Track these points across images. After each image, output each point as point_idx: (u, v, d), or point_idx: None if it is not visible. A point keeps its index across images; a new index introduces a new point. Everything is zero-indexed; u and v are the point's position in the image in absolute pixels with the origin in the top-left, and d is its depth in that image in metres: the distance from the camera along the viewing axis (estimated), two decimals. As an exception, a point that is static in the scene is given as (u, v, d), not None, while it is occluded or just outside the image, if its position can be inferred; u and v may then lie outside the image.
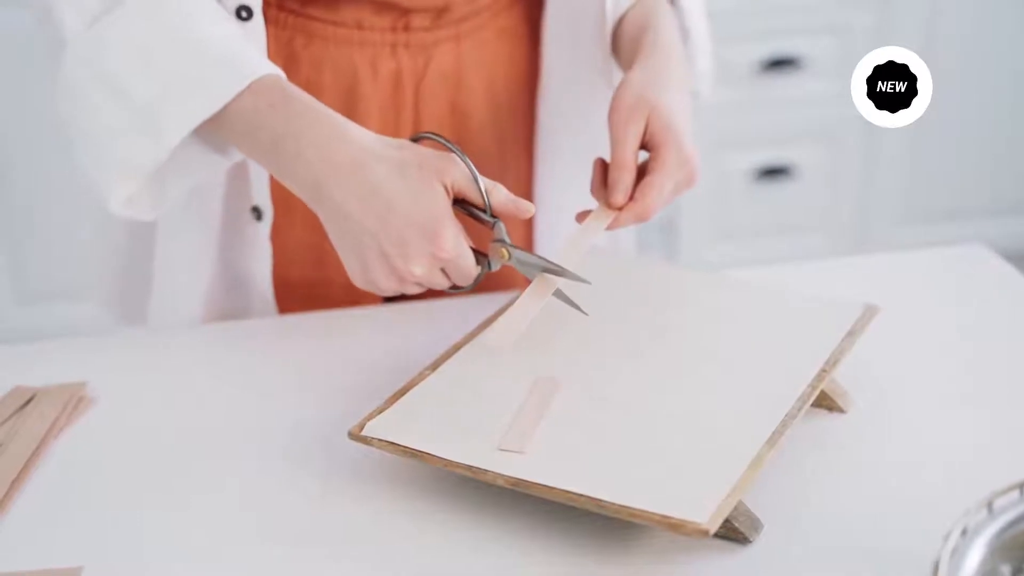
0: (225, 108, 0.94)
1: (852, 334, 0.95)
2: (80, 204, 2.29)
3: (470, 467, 0.82)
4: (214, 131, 0.98)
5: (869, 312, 0.98)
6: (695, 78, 1.17)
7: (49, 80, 1.02)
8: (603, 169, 0.99)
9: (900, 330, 1.05)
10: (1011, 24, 2.76)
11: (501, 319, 0.92)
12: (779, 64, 2.67)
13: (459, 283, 0.94)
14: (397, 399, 0.89)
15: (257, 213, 1.13)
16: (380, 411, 0.88)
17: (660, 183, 0.95)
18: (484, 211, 0.92)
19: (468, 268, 0.92)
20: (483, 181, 0.92)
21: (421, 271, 0.90)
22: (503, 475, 0.81)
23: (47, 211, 2.53)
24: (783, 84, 2.70)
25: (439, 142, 0.94)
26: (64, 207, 2.50)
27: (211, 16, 0.98)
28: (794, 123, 2.75)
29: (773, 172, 2.77)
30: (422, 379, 0.91)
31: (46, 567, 0.82)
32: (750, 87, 2.67)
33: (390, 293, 0.93)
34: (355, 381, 1.00)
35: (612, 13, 1.12)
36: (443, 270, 0.92)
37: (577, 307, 0.93)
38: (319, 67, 1.11)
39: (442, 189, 0.90)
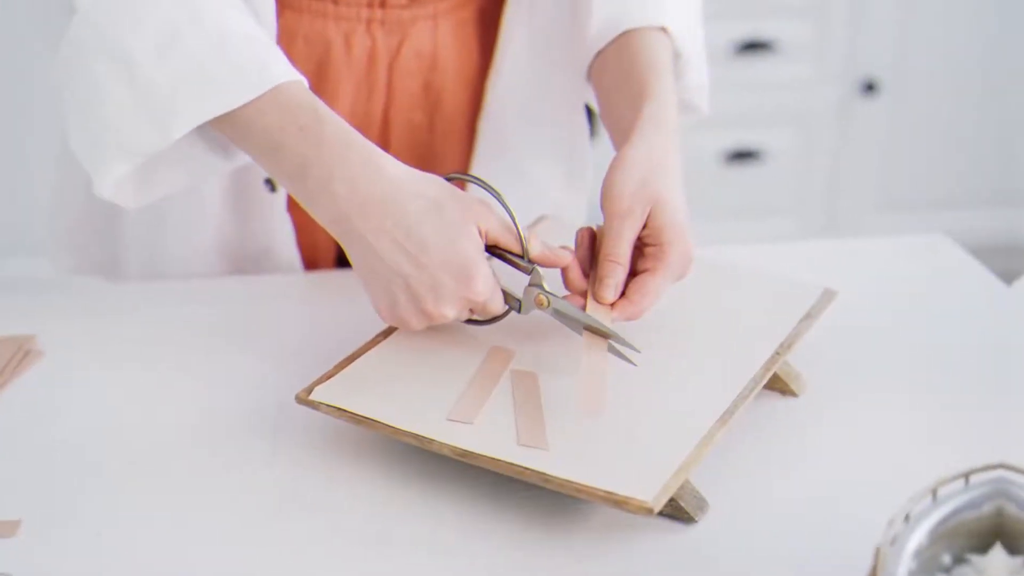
0: (248, 120, 0.89)
1: (809, 317, 0.94)
2: (36, 158, 2.28)
3: (417, 435, 0.82)
4: (229, 136, 0.92)
5: (827, 296, 0.97)
6: (691, 92, 1.12)
7: (44, 45, 0.97)
8: (589, 243, 0.91)
9: (857, 316, 1.04)
10: (985, 14, 2.76)
11: (581, 387, 0.84)
12: (753, 47, 2.67)
13: (482, 319, 0.91)
14: (347, 364, 0.88)
15: (271, 184, 1.10)
16: (329, 376, 0.87)
17: (659, 285, 0.89)
18: (521, 257, 0.90)
19: (496, 310, 0.89)
20: (523, 228, 0.89)
21: (452, 313, 0.87)
22: (450, 445, 0.81)
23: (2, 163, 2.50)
24: (756, 67, 2.69)
25: (479, 185, 0.90)
26: (21, 160, 2.46)
27: (238, 10, 0.93)
28: (766, 107, 2.74)
29: (744, 155, 2.77)
30: (373, 345, 0.91)
31: (-17, 520, 0.81)
32: (723, 69, 2.66)
33: (418, 329, 0.89)
34: (308, 345, 0.99)
35: (597, 35, 1.06)
36: (470, 309, 0.89)
37: (628, 360, 0.87)
38: (291, 39, 1.08)
39: (475, 230, 0.87)
